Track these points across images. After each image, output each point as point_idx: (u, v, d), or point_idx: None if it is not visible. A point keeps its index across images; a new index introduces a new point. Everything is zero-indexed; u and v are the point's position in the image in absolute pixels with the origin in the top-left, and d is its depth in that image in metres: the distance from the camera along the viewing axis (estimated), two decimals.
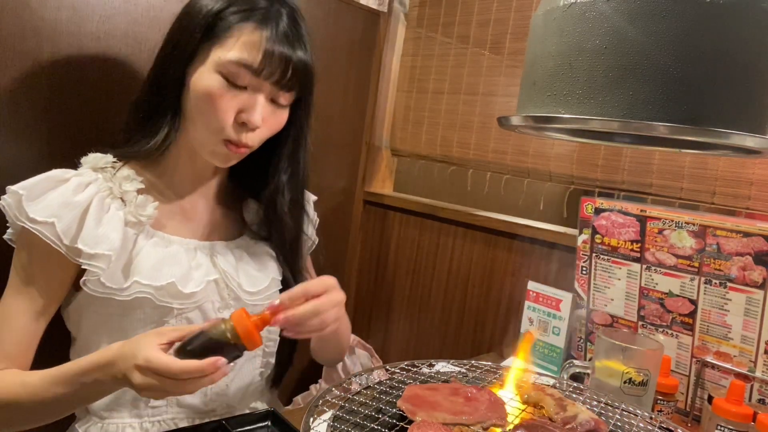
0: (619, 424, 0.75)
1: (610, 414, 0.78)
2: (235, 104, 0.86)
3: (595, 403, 0.80)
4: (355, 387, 0.76)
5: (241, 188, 1.05)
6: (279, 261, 1.03)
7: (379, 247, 1.72)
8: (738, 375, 1.01)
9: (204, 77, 0.85)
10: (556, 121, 0.67)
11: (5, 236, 0.88)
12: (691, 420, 1.05)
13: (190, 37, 0.87)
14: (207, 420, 0.91)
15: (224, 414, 0.96)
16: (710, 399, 0.98)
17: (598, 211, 1.16)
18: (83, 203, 0.84)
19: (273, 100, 0.89)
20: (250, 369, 1.00)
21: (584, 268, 1.20)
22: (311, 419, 0.65)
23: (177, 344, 0.71)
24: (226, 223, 1.02)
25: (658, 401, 0.98)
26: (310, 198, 1.15)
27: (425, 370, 0.85)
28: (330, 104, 1.60)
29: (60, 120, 1.05)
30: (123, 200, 0.88)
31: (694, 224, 1.04)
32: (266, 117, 0.88)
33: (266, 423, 0.74)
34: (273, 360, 1.04)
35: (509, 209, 1.50)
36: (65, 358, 0.94)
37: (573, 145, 1.34)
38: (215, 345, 0.70)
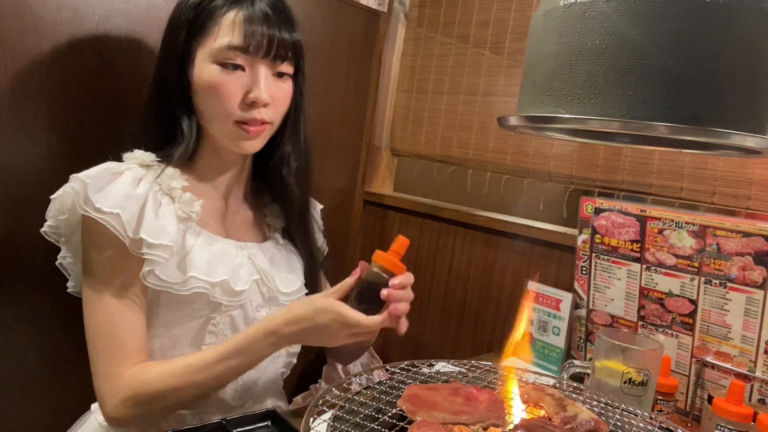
0: (619, 424, 0.75)
1: (610, 414, 0.78)
2: (238, 86, 0.88)
3: (595, 403, 0.80)
4: (355, 387, 0.76)
5: (263, 190, 1.07)
6: (296, 245, 1.06)
7: (379, 247, 1.71)
8: (738, 375, 1.01)
9: (202, 71, 0.88)
10: (556, 121, 0.67)
11: (42, 230, 0.88)
12: (691, 420, 1.05)
13: (179, 37, 0.89)
14: (240, 413, 0.91)
15: (251, 408, 0.98)
16: (710, 399, 0.98)
17: (598, 211, 1.16)
18: (142, 196, 0.85)
19: (274, 74, 0.91)
20: (275, 368, 1.02)
21: (584, 268, 1.20)
22: (311, 419, 0.65)
23: (351, 298, 0.85)
24: (255, 226, 1.04)
25: (658, 401, 0.98)
26: (317, 206, 1.17)
27: (425, 370, 0.85)
28: (330, 104, 1.60)
29: (60, 120, 1.05)
30: (171, 196, 0.90)
31: (694, 224, 1.04)
32: (272, 91, 0.90)
33: (266, 423, 0.74)
34: (295, 360, 1.06)
35: (509, 209, 1.50)
36: None
37: (573, 145, 1.34)
38: (375, 286, 0.85)
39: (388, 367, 0.84)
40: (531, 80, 0.69)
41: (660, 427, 0.75)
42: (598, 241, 1.17)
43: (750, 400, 1.01)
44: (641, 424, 0.75)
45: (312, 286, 1.07)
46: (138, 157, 0.91)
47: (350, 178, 1.72)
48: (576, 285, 1.22)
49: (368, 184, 1.76)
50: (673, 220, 1.07)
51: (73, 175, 0.84)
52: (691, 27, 0.58)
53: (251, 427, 0.72)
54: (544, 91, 0.66)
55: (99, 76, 1.08)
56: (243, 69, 0.88)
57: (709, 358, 1.05)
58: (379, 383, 0.78)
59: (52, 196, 0.87)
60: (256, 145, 0.94)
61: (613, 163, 1.28)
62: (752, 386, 1.01)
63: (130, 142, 0.94)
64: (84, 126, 1.07)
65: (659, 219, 1.08)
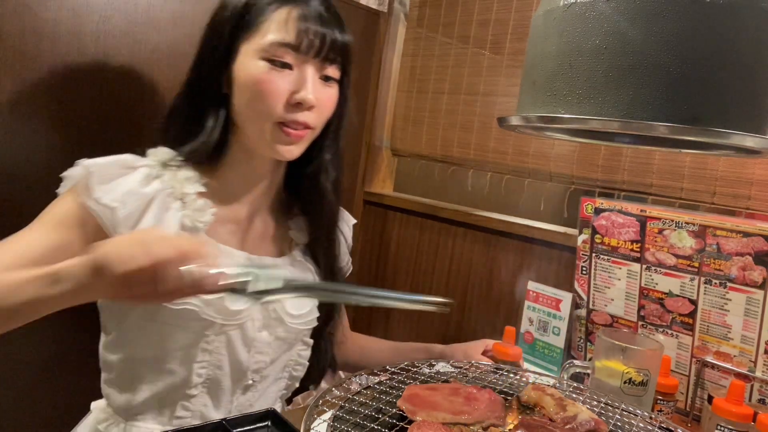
0: (619, 424, 0.75)
1: (610, 414, 0.78)
2: (284, 85, 0.85)
3: (595, 403, 0.80)
4: (355, 387, 0.76)
5: (292, 202, 1.03)
6: (317, 263, 1.01)
7: (379, 247, 1.72)
8: (738, 375, 1.01)
9: (248, 66, 0.85)
10: (556, 121, 0.67)
11: (58, 190, 0.86)
12: (691, 420, 1.05)
13: (223, 34, 0.87)
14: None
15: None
16: (710, 399, 0.98)
17: (598, 211, 1.16)
18: (148, 196, 0.84)
19: (321, 77, 0.89)
20: (275, 390, 0.99)
21: (584, 268, 1.20)
22: (311, 419, 0.65)
23: None
24: (275, 238, 1.00)
25: (658, 401, 0.98)
26: (351, 220, 1.13)
27: (425, 370, 0.85)
28: None
29: (60, 119, 1.05)
30: (183, 201, 0.87)
31: (694, 224, 1.04)
32: (318, 94, 0.87)
33: (266, 423, 0.74)
34: (297, 384, 1.03)
35: (510, 209, 1.50)
36: (95, 352, 0.94)
37: (573, 145, 1.34)
38: None
39: (388, 367, 0.84)
40: (531, 80, 0.69)
41: (660, 427, 0.75)
42: (598, 241, 1.17)
43: (750, 400, 1.01)
44: (641, 424, 0.75)
45: (327, 310, 1.02)
46: (160, 154, 0.88)
47: (350, 178, 1.72)
48: (576, 285, 1.22)
49: (368, 184, 1.76)
50: (673, 220, 1.07)
51: (81, 160, 0.83)
52: (691, 27, 0.58)
53: (251, 427, 0.72)
54: (544, 91, 0.66)
55: (99, 76, 1.08)
56: (291, 68, 0.85)
57: (709, 358, 1.05)
58: (379, 383, 0.78)
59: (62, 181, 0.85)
60: (295, 151, 0.89)
61: (613, 163, 1.28)
62: (752, 386, 1.01)
63: (156, 137, 0.92)
64: (84, 126, 1.07)
65: (659, 219, 1.08)
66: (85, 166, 0.82)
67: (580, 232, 1.20)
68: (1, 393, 1.05)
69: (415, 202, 1.64)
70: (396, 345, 1.18)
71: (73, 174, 0.83)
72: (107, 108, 1.10)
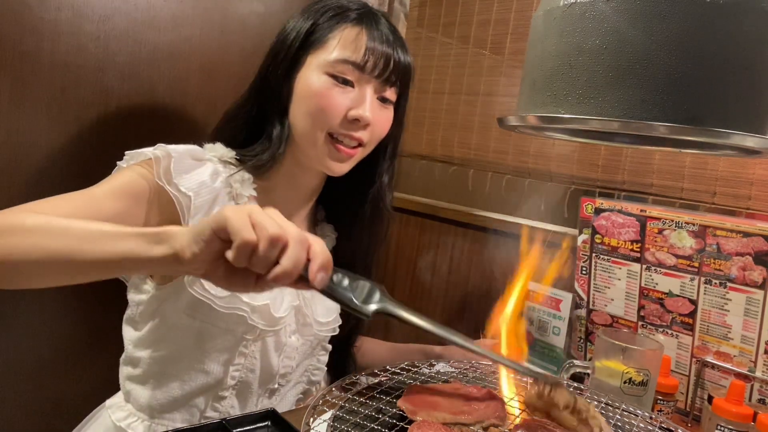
0: (619, 424, 0.75)
1: (610, 414, 0.78)
2: (343, 100, 0.87)
3: (595, 403, 0.80)
4: (355, 387, 0.76)
5: (318, 210, 1.05)
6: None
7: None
8: (738, 375, 1.01)
9: (310, 79, 0.87)
10: (556, 121, 0.67)
11: (119, 163, 0.85)
12: (691, 420, 1.05)
13: (292, 45, 0.89)
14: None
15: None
16: (710, 399, 0.98)
17: (598, 211, 1.16)
18: (216, 190, 0.85)
19: (379, 98, 0.90)
20: (294, 394, 1.01)
21: (584, 268, 1.20)
22: (311, 419, 0.65)
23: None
24: None
25: (658, 401, 0.98)
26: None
27: (425, 370, 0.85)
28: None
29: (60, 120, 1.05)
30: (236, 202, 0.88)
31: (694, 224, 1.04)
32: (375, 114, 0.89)
33: (266, 423, 0.74)
34: (314, 389, 1.05)
35: (510, 209, 1.50)
36: (109, 364, 0.94)
37: (573, 146, 1.34)
38: None
39: (388, 367, 0.84)
40: (531, 80, 0.69)
41: (660, 427, 0.75)
42: (598, 241, 1.17)
43: (750, 400, 1.01)
44: (641, 424, 0.75)
45: (347, 315, 1.04)
46: (218, 150, 0.90)
47: None
48: (576, 285, 1.22)
49: None
50: (673, 220, 1.07)
51: (161, 144, 0.84)
52: (691, 27, 0.58)
53: (251, 426, 0.72)
54: (544, 91, 0.66)
55: (99, 76, 1.08)
56: (352, 86, 0.87)
57: (709, 358, 1.05)
58: (379, 383, 0.78)
59: (128, 153, 0.84)
60: (344, 167, 0.91)
61: (613, 163, 1.28)
62: (752, 386, 1.01)
63: (214, 135, 0.94)
64: (84, 126, 1.07)
65: (659, 219, 1.08)
66: (166, 150, 0.82)
67: (581, 232, 1.20)
68: (4, 387, 1.05)
69: (415, 202, 1.64)
70: (395, 346, 1.19)
71: (148, 153, 0.83)
72: (107, 108, 1.10)
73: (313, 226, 1.05)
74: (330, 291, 0.62)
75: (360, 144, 0.90)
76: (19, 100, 0.99)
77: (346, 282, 0.64)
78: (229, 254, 0.56)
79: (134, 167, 0.83)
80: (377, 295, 0.65)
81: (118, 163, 0.86)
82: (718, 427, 0.90)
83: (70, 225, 0.65)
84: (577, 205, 1.21)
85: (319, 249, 0.60)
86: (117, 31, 1.09)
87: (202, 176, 0.84)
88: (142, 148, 0.84)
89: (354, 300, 0.63)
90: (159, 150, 0.83)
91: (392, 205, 1.04)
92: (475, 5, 1.54)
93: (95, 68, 1.08)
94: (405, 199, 1.67)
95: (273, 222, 0.57)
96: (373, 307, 0.64)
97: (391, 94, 0.92)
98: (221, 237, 0.57)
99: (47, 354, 1.09)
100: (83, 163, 0.95)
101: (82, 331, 1.12)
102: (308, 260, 0.59)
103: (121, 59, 1.10)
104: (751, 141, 0.60)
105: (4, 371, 1.05)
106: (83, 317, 1.11)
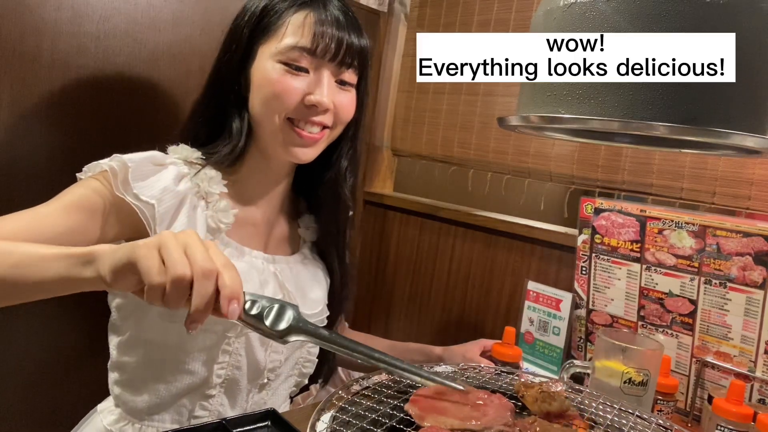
0: (618, 424, 0.75)
1: (610, 414, 0.78)
2: (299, 86, 0.86)
3: (595, 403, 0.80)
4: (356, 388, 0.76)
5: (299, 202, 1.05)
6: (332, 267, 1.04)
7: (379, 247, 1.72)
8: (738, 375, 1.01)
9: (264, 68, 0.86)
10: (556, 121, 0.67)
11: (78, 175, 0.85)
12: (691, 420, 1.05)
13: (242, 37, 0.88)
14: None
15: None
16: (710, 399, 0.98)
17: (598, 211, 1.16)
18: (181, 194, 0.84)
19: (338, 81, 0.89)
20: (286, 388, 1.01)
21: (584, 268, 1.20)
22: (316, 423, 0.64)
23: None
24: (287, 238, 1.02)
25: (658, 401, 0.98)
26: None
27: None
28: None
29: (60, 120, 1.05)
30: (207, 201, 0.88)
31: (694, 224, 1.04)
32: (334, 98, 0.88)
33: (266, 423, 0.73)
34: (306, 381, 1.04)
35: (510, 209, 1.50)
36: (103, 369, 0.93)
37: (573, 145, 1.34)
38: None
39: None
40: None
41: (660, 427, 0.75)
42: (598, 241, 1.17)
43: (750, 400, 1.01)
44: (641, 425, 0.75)
45: (336, 305, 1.04)
46: (182, 152, 0.89)
47: None
48: (576, 285, 1.22)
49: (368, 184, 1.75)
50: (673, 220, 1.07)
51: (116, 155, 0.82)
52: (691, 27, 0.58)
53: (251, 427, 0.72)
54: (544, 91, 0.66)
55: (99, 76, 1.08)
56: (307, 72, 0.87)
57: (709, 358, 1.05)
58: (380, 384, 0.78)
59: (86, 166, 0.84)
60: (309, 153, 0.90)
61: (613, 163, 1.28)
62: (752, 386, 1.01)
63: (177, 136, 0.93)
64: (84, 126, 1.07)
65: (659, 219, 1.08)
66: (122, 160, 0.81)
67: (580, 232, 1.20)
68: (1, 391, 1.05)
69: (415, 202, 1.64)
70: (394, 344, 1.19)
71: (104, 165, 0.82)
72: (107, 108, 1.10)
73: (295, 218, 1.05)
74: (244, 319, 0.63)
75: (325, 127, 0.89)
76: (19, 100, 0.99)
77: (257, 308, 0.63)
78: (144, 293, 0.58)
79: (89, 180, 0.82)
80: (289, 316, 0.65)
81: (77, 175, 0.85)
82: (718, 427, 0.90)
83: (8, 249, 0.66)
84: (577, 205, 1.21)
85: (228, 279, 0.59)
86: (117, 31, 1.09)
87: (165, 181, 0.83)
88: (99, 161, 0.83)
89: (266, 324, 0.63)
90: (114, 161, 0.81)
91: (354, 190, 1.02)
92: (476, 5, 1.54)
93: (95, 68, 1.07)
94: (405, 199, 1.67)
95: (181, 258, 0.57)
96: (282, 326, 0.64)
97: (349, 76, 0.90)
98: (134, 272, 0.58)
99: (45, 360, 1.09)
100: (83, 163, 0.94)
101: (76, 337, 1.11)
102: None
103: (121, 59, 1.10)
104: (751, 141, 0.60)
105: (4, 375, 1.05)
106: (77, 324, 1.11)
